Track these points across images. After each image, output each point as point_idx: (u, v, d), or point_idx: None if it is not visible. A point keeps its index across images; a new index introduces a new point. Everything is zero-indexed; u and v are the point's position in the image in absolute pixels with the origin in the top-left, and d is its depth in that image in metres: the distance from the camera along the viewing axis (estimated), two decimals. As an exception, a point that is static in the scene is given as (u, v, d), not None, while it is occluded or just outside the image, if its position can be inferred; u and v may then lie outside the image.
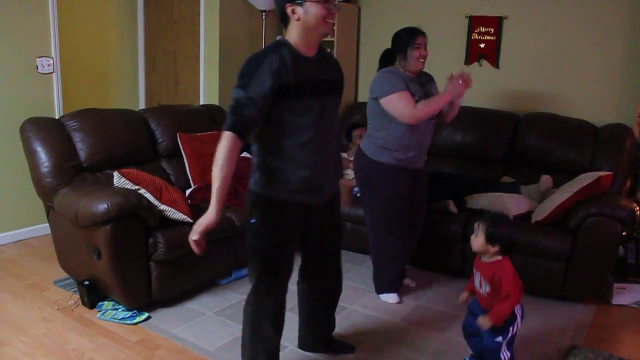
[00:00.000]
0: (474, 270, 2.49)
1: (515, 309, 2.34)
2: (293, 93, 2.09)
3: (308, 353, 2.74)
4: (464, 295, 2.57)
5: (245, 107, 2.04)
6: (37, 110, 3.91)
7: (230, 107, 2.07)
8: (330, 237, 2.51)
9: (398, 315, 3.18)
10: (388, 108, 3.05)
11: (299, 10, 2.06)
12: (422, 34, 3.11)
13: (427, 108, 2.99)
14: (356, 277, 3.67)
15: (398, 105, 3.01)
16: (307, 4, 2.05)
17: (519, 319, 2.37)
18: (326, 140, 2.26)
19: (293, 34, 2.13)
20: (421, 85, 3.17)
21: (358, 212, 3.80)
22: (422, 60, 3.11)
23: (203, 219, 2.07)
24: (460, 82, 3.01)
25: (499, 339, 2.36)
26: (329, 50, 5.16)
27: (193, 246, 2.11)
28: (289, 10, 2.08)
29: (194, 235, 2.08)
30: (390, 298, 3.34)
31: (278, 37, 2.22)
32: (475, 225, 2.40)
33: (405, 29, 3.15)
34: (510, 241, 2.36)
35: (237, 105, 2.05)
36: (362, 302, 3.33)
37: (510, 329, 2.35)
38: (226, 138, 2.04)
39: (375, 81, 3.15)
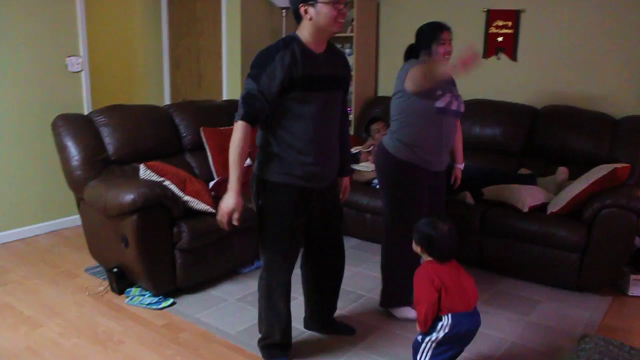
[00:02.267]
0: None
1: (444, 317, 2.19)
2: (300, 86, 2.25)
3: (314, 333, 2.89)
4: None
5: (255, 99, 2.20)
6: (67, 107, 4.10)
7: (242, 97, 2.23)
8: (332, 220, 2.66)
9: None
10: (408, 81, 2.83)
11: (311, 10, 2.22)
12: (448, 29, 2.93)
13: (425, 72, 2.70)
14: (375, 267, 3.75)
15: (412, 73, 2.82)
16: (319, 4, 2.19)
17: (440, 325, 2.19)
18: (328, 131, 2.42)
19: (305, 32, 2.29)
20: (446, 82, 2.98)
21: (377, 204, 3.89)
22: (447, 56, 2.93)
23: (225, 205, 2.25)
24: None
25: (419, 337, 2.27)
26: (348, 45, 5.27)
27: (222, 225, 2.29)
28: (302, 10, 2.24)
29: (221, 217, 2.27)
30: (410, 312, 3.03)
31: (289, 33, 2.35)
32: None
33: (430, 23, 2.97)
34: (428, 240, 2.23)
35: (248, 97, 2.21)
36: (379, 290, 3.40)
37: (434, 333, 2.21)
38: (240, 128, 2.22)
39: (398, 75, 2.96)
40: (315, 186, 2.45)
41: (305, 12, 2.23)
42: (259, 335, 2.65)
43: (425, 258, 2.30)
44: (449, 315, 2.19)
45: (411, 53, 3.06)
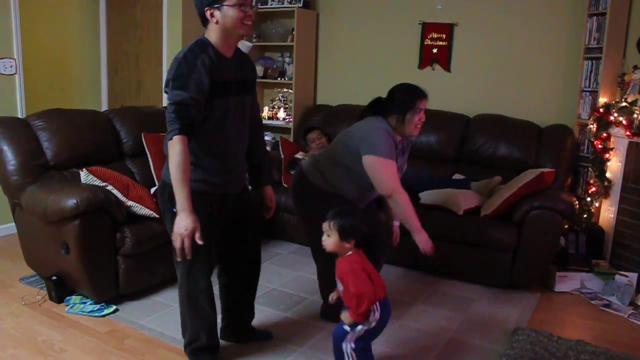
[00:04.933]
0: None
1: (373, 306, 2.22)
2: (218, 91, 2.22)
3: (230, 343, 2.80)
4: (334, 294, 2.44)
5: (189, 108, 2.11)
6: (0, 110, 3.94)
7: (173, 110, 2.11)
8: (247, 226, 2.61)
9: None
10: (368, 167, 2.71)
11: (217, 13, 2.18)
12: (426, 96, 2.80)
13: (402, 204, 2.73)
14: (315, 270, 3.81)
15: (382, 171, 2.70)
16: (224, 7, 2.16)
17: (372, 315, 2.24)
18: (242, 136, 2.43)
19: (213, 35, 2.24)
20: (402, 152, 2.93)
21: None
22: (419, 126, 2.82)
23: (180, 228, 2.08)
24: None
25: (347, 328, 2.27)
26: (288, 55, 5.35)
27: (179, 252, 2.11)
28: (207, 13, 2.19)
29: (179, 243, 2.09)
30: None
31: (198, 37, 2.29)
32: (325, 225, 2.26)
33: (407, 87, 2.82)
34: (363, 232, 2.25)
35: (180, 107, 2.10)
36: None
37: (361, 325, 2.25)
38: (178, 142, 2.09)
39: (367, 133, 2.77)
40: (230, 191, 2.44)
41: (212, 15, 2.19)
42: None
43: (346, 252, 2.25)
44: (377, 303, 2.23)
45: (376, 107, 2.89)
